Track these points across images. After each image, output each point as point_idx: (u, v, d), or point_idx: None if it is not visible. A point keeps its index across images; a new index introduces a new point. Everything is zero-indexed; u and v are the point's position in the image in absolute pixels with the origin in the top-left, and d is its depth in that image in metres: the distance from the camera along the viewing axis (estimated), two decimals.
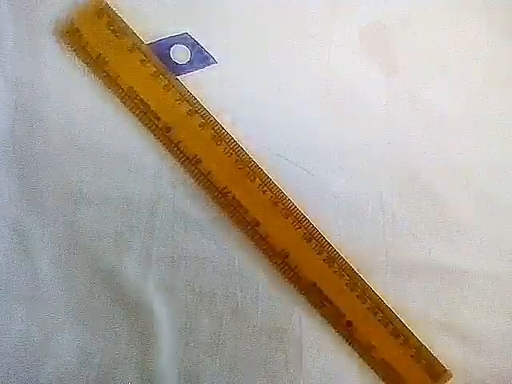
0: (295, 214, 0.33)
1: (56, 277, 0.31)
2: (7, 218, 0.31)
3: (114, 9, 0.31)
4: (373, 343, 0.33)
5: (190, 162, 0.32)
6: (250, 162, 0.32)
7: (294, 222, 0.33)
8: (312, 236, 0.33)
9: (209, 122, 0.32)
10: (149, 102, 0.31)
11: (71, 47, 0.31)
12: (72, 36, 0.31)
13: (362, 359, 0.33)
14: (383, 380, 0.34)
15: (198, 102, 0.32)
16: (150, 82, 0.31)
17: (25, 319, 0.30)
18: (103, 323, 0.31)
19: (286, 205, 0.32)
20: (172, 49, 0.32)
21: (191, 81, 0.32)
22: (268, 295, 0.33)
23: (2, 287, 0.30)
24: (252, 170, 0.32)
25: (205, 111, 0.32)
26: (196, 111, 0.32)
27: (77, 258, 0.31)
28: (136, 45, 0.31)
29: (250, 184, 0.32)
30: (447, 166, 0.34)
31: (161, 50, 0.32)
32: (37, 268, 0.31)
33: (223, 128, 0.32)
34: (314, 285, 0.33)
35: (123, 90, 0.31)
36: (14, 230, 0.31)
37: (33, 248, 0.31)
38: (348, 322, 0.33)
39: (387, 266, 0.34)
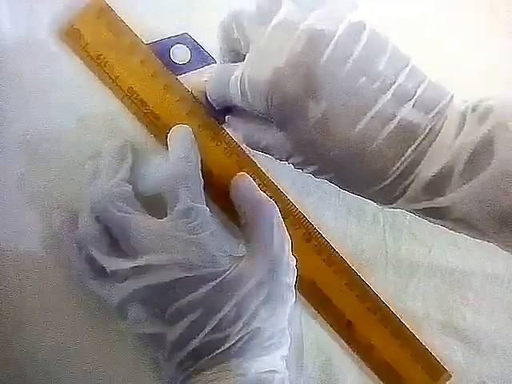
0: (295, 214, 0.33)
1: None
2: None
3: (114, 9, 0.31)
4: (373, 343, 0.33)
5: None
6: (250, 162, 0.32)
7: (294, 222, 0.33)
8: (312, 236, 0.33)
9: (208, 123, 0.32)
10: (149, 102, 0.31)
11: (71, 47, 0.31)
12: (72, 36, 0.31)
13: (361, 359, 0.34)
14: (383, 380, 0.34)
15: (198, 102, 0.32)
16: (149, 82, 0.31)
17: None
18: None
19: (285, 205, 0.32)
20: (172, 49, 0.32)
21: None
22: None
23: None
24: (252, 170, 0.32)
25: (204, 112, 0.32)
26: (196, 111, 0.32)
27: None
28: (136, 45, 0.31)
29: None
30: None
31: (161, 50, 0.32)
32: None
33: (223, 128, 0.32)
34: (314, 285, 0.33)
35: (123, 91, 0.31)
36: None
37: None
38: (348, 322, 0.33)
39: (387, 265, 0.34)
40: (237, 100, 0.27)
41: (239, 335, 0.27)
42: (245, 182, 0.30)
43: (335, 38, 0.24)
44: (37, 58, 0.31)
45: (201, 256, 0.27)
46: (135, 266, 0.27)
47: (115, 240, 0.28)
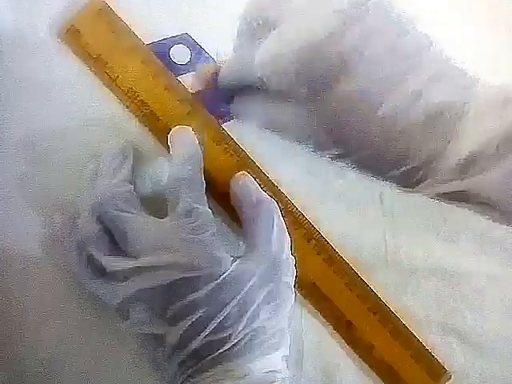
0: (295, 214, 0.33)
1: None
2: None
3: (114, 9, 0.31)
4: (373, 343, 0.33)
5: None
6: (250, 162, 0.32)
7: (294, 222, 0.33)
8: (312, 236, 0.33)
9: (209, 123, 0.32)
10: (149, 103, 0.31)
11: (71, 47, 0.31)
12: (72, 36, 0.31)
13: (361, 359, 0.34)
14: (383, 380, 0.34)
15: (197, 102, 0.32)
16: (150, 82, 0.31)
17: None
18: None
19: (285, 205, 0.32)
20: (172, 49, 0.32)
21: (191, 81, 0.32)
22: None
23: None
24: (252, 170, 0.32)
25: (204, 112, 0.32)
26: (196, 112, 0.32)
27: None
28: (136, 45, 0.31)
29: None
30: None
31: (161, 50, 0.32)
32: None
33: (223, 128, 0.32)
34: (314, 284, 0.33)
35: (123, 91, 0.31)
36: None
37: None
38: (348, 321, 0.33)
39: (387, 266, 0.34)
40: (259, 77, 0.27)
41: (240, 336, 0.27)
42: (245, 181, 0.30)
43: (365, 15, 0.24)
44: (37, 58, 0.31)
45: (201, 256, 0.27)
46: (135, 267, 0.27)
47: (116, 240, 0.28)
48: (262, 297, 0.27)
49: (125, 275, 0.27)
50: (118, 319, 0.28)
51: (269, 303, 0.28)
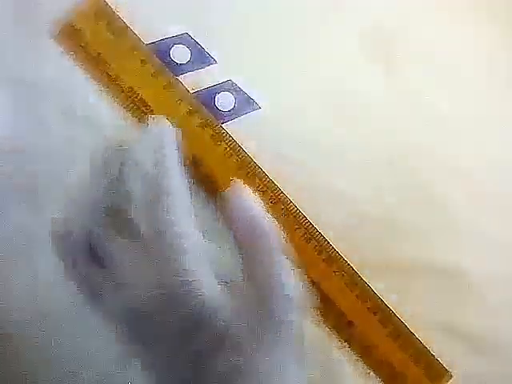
0: (295, 214, 0.33)
1: None
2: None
3: (114, 9, 0.31)
4: (373, 343, 0.33)
5: (189, 162, 0.31)
6: (250, 163, 0.32)
7: (294, 222, 0.32)
8: (312, 236, 0.33)
9: (208, 122, 0.32)
10: (149, 102, 0.31)
11: (71, 47, 0.31)
12: (72, 36, 0.31)
13: (361, 359, 0.33)
14: (383, 380, 0.33)
15: (197, 102, 0.32)
16: (149, 82, 0.31)
17: None
18: None
19: (285, 205, 0.32)
20: (172, 49, 0.32)
21: (191, 81, 0.32)
22: None
23: None
24: (252, 170, 0.32)
25: (204, 111, 0.32)
26: (196, 111, 0.32)
27: None
28: (136, 45, 0.31)
29: (249, 184, 0.32)
30: (447, 165, 0.34)
31: (161, 50, 0.32)
32: None
33: (223, 128, 0.32)
34: (315, 284, 0.33)
35: (123, 91, 0.31)
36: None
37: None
38: (348, 322, 0.33)
39: (387, 266, 0.34)
40: None
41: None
42: (241, 198, 0.27)
43: None
44: (36, 57, 0.31)
45: (181, 278, 0.24)
46: (111, 284, 0.26)
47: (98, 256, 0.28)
48: (249, 340, 0.23)
49: (101, 291, 0.26)
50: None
51: (262, 349, 0.23)
